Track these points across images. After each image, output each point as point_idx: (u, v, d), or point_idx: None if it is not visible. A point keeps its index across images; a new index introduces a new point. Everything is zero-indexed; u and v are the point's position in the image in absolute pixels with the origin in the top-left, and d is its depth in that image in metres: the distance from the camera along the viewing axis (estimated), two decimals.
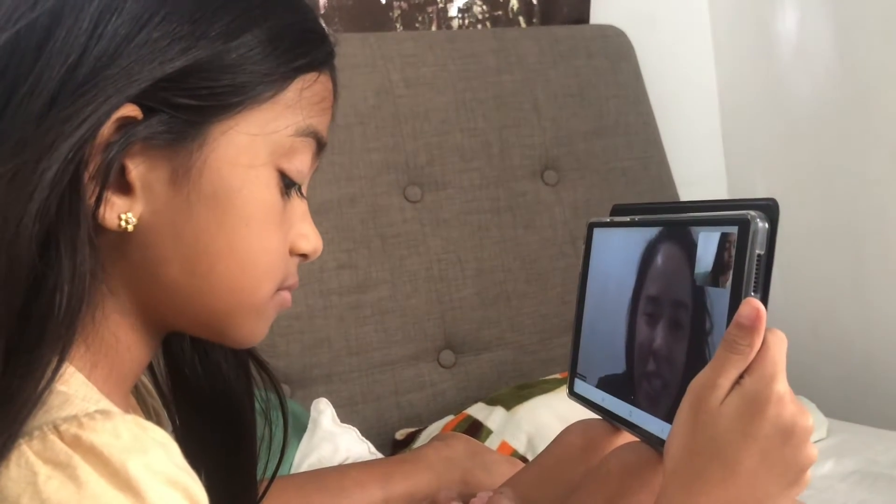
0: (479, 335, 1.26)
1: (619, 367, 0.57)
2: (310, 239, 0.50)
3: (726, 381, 0.45)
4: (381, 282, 1.21)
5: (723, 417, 0.45)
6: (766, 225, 0.46)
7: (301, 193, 0.49)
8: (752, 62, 1.55)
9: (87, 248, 0.40)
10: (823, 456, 1.06)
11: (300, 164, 0.47)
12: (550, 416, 1.01)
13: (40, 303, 0.39)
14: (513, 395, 1.08)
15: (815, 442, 1.11)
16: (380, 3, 1.43)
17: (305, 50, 0.46)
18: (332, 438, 0.96)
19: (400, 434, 1.14)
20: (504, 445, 1.00)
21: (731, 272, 0.47)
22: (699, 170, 1.56)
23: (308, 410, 1.02)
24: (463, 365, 1.25)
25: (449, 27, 1.48)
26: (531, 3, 1.53)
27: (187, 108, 0.43)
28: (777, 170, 1.52)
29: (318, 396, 1.07)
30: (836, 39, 1.37)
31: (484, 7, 1.50)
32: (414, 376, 1.21)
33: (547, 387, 1.08)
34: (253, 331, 0.49)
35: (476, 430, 1.03)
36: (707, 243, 0.49)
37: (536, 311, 1.29)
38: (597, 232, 0.62)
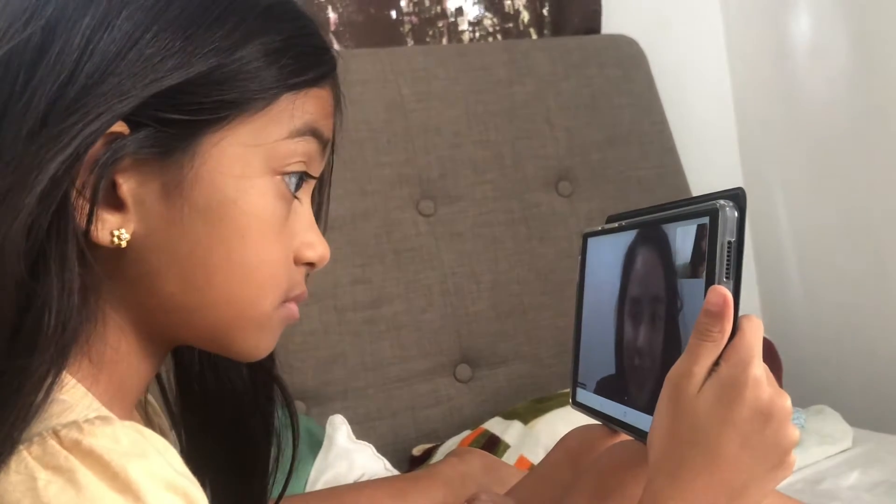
0: (496, 349, 1.25)
1: (611, 369, 0.58)
2: (316, 247, 0.48)
3: (701, 368, 0.46)
4: (396, 296, 1.21)
5: (701, 405, 0.45)
6: (736, 213, 0.47)
7: (318, 194, 0.49)
8: (766, 67, 1.54)
9: (77, 266, 0.40)
10: (849, 466, 1.04)
11: (298, 165, 0.46)
12: (568, 429, 0.99)
13: (30, 319, 0.39)
14: (530, 408, 1.06)
15: (841, 452, 1.09)
16: (390, 18, 1.44)
17: (302, 66, 0.45)
18: (347, 455, 0.95)
19: (417, 450, 1.13)
20: (522, 460, 0.99)
21: (706, 261, 0.48)
22: (716, 177, 1.54)
23: (324, 427, 1.02)
24: (479, 379, 1.24)
25: (460, 41, 1.48)
26: (542, 14, 1.53)
27: (176, 123, 0.42)
28: (795, 174, 1.50)
29: (334, 413, 1.06)
30: (850, 41, 1.35)
31: (494, 20, 1.50)
32: (430, 391, 1.20)
33: (564, 400, 1.06)
34: (258, 344, 0.48)
35: (493, 444, 1.02)
36: (685, 237, 0.50)
37: (553, 323, 1.28)
38: (590, 242, 0.63)
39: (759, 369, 0.45)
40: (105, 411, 0.40)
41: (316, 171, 0.48)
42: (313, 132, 0.46)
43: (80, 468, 0.36)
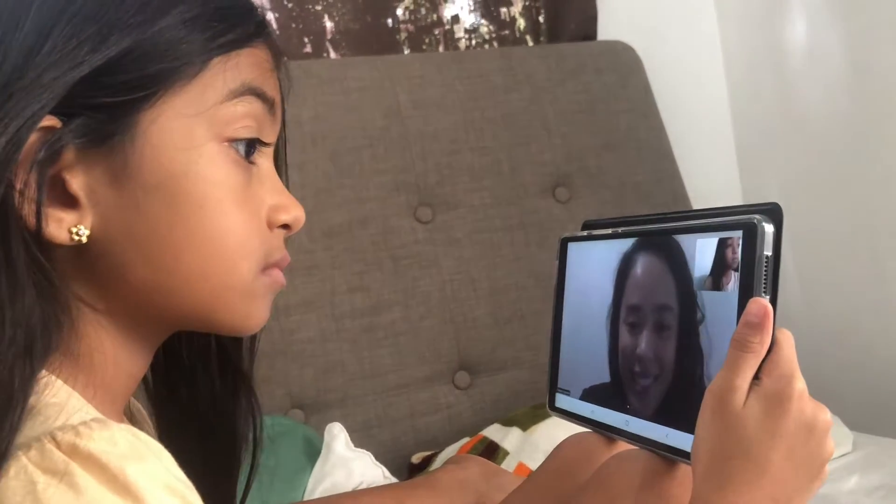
0: (495, 355, 1.24)
1: (604, 377, 0.57)
2: (289, 209, 0.47)
3: (743, 381, 0.46)
4: (394, 303, 1.21)
5: (749, 419, 0.45)
6: (772, 227, 0.47)
7: (281, 169, 0.48)
8: (762, 71, 1.54)
9: (26, 267, 0.40)
10: (849, 470, 1.03)
11: (246, 130, 0.45)
12: (567, 435, 0.99)
13: None
14: (529, 415, 1.06)
15: (841, 456, 1.09)
16: (387, 26, 1.44)
17: (226, 27, 0.44)
18: (345, 463, 0.95)
19: (416, 458, 1.13)
20: (521, 467, 0.98)
21: (738, 275, 0.48)
22: (713, 182, 1.55)
23: (322, 435, 1.02)
24: (479, 386, 1.23)
25: (456, 48, 1.48)
26: (538, 21, 1.53)
27: (108, 106, 0.41)
28: (792, 179, 1.50)
29: (333, 421, 1.06)
30: (846, 45, 1.35)
31: (490, 27, 1.51)
32: (429, 398, 1.20)
33: None
34: (247, 314, 0.47)
35: (492, 451, 1.02)
36: (705, 249, 0.50)
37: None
38: (571, 246, 0.62)
39: (802, 382, 0.45)
40: (98, 414, 0.40)
41: (268, 136, 0.47)
42: (252, 91, 0.45)
43: (79, 472, 0.36)
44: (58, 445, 0.37)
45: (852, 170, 1.37)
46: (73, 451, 0.36)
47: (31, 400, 0.39)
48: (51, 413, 0.39)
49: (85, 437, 0.37)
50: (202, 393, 0.54)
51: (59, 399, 0.40)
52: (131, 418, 0.54)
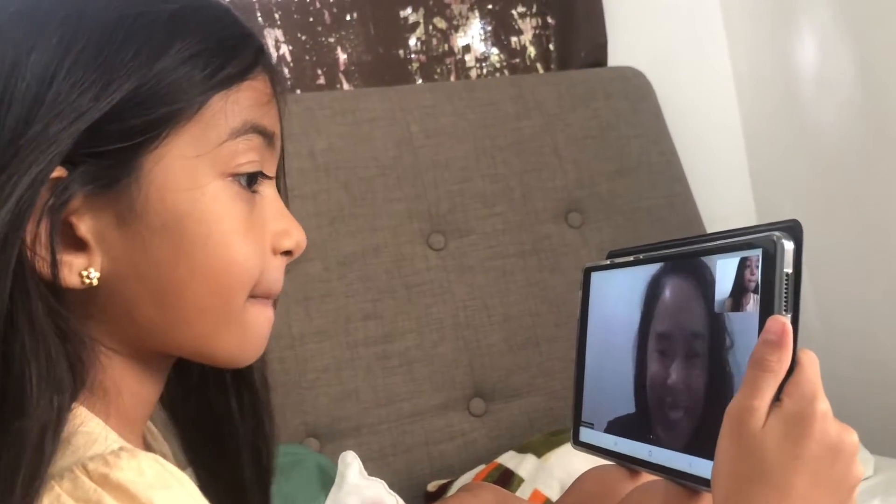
0: (509, 382, 1.24)
1: (630, 407, 0.56)
2: (291, 234, 0.48)
3: (762, 402, 0.44)
4: (408, 331, 1.21)
5: (768, 440, 0.44)
6: (792, 244, 0.46)
7: (279, 187, 0.49)
8: (774, 94, 1.54)
9: (47, 318, 0.40)
10: (870, 494, 1.02)
11: (249, 165, 0.45)
12: (583, 462, 0.98)
13: (12, 382, 0.39)
14: (544, 441, 1.06)
15: (862, 480, 1.07)
16: (399, 57, 1.46)
17: (224, 61, 0.44)
18: (358, 492, 0.95)
19: (432, 486, 1.12)
20: (536, 494, 0.98)
21: (758, 295, 0.47)
22: (727, 204, 1.55)
23: (336, 464, 1.01)
24: (494, 413, 1.23)
25: (467, 77, 1.50)
26: (548, 49, 1.54)
27: (112, 153, 0.42)
28: (806, 199, 1.50)
29: (348, 449, 1.06)
30: (856, 64, 1.36)
31: (501, 55, 1.52)
32: (444, 426, 1.20)
33: None
34: (241, 345, 0.47)
35: (507, 479, 1.01)
36: (725, 270, 0.49)
37: (566, 355, 1.27)
38: (594, 276, 0.62)
39: (825, 403, 0.44)
40: (124, 443, 0.41)
41: (270, 168, 0.47)
42: (254, 128, 0.45)
43: (109, 500, 0.37)
44: (89, 475, 0.38)
45: (866, 188, 1.36)
46: (104, 481, 0.37)
47: (63, 432, 0.40)
48: (80, 443, 0.40)
49: (114, 467, 0.38)
50: (218, 414, 0.54)
51: (87, 429, 0.41)
52: (143, 439, 0.55)
